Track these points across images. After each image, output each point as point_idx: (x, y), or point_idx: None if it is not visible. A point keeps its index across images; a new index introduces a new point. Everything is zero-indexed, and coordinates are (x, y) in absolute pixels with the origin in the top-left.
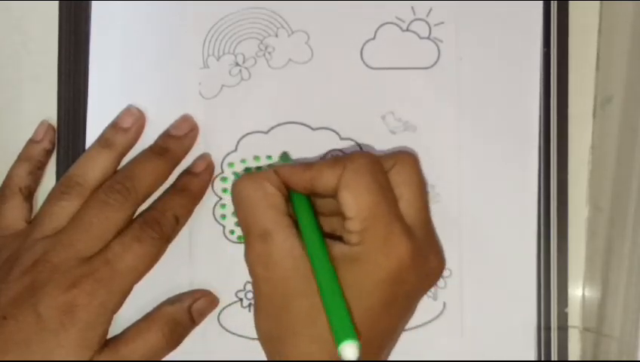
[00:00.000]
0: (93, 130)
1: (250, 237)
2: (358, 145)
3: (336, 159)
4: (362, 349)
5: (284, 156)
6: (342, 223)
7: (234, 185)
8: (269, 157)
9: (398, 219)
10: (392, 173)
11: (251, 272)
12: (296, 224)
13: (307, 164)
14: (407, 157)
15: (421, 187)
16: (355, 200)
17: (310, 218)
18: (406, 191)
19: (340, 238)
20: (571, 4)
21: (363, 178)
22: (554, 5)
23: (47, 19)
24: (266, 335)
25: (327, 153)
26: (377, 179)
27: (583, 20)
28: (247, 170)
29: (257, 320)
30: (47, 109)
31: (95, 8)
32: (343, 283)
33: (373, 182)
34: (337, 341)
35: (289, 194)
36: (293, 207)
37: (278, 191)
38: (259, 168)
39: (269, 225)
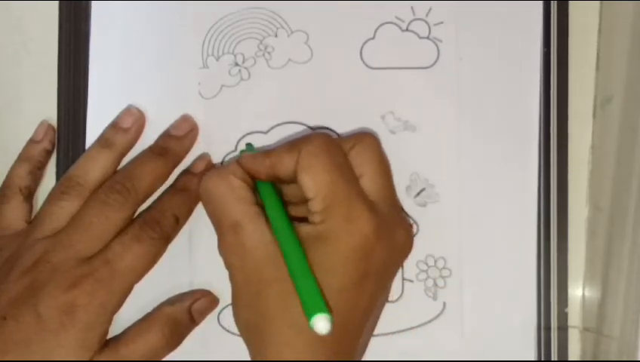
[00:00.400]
0: (93, 130)
1: (222, 229)
2: None
3: (292, 143)
4: (342, 330)
5: (249, 147)
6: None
7: (202, 181)
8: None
9: (358, 196)
10: (352, 153)
11: (226, 263)
12: (264, 212)
13: (267, 152)
14: (366, 137)
15: (383, 164)
16: (314, 181)
17: (276, 203)
18: (367, 170)
19: (306, 221)
20: (571, 4)
21: (319, 158)
22: (554, 5)
23: (47, 19)
24: (244, 323)
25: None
26: (334, 158)
27: (583, 20)
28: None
29: (235, 310)
30: (47, 109)
31: (95, 8)
32: (311, 263)
33: (330, 161)
34: (308, 316)
35: (254, 183)
36: (259, 195)
37: (244, 182)
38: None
39: (239, 216)
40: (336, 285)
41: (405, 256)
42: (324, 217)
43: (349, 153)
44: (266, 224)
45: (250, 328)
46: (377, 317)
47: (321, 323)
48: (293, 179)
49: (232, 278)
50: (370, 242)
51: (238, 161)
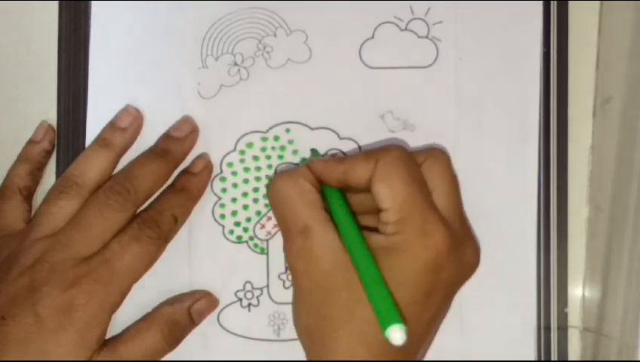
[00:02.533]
0: (93, 130)
1: (291, 233)
2: (357, 144)
3: (369, 153)
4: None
5: (314, 152)
6: (377, 219)
7: (270, 184)
8: (269, 157)
9: (433, 209)
10: (423, 167)
11: (292, 267)
12: (331, 218)
13: (340, 158)
14: (438, 153)
15: (453, 181)
16: (390, 192)
17: (346, 211)
18: (439, 184)
19: (376, 231)
20: (571, 4)
21: (396, 170)
22: (554, 5)
23: (47, 19)
24: (306, 329)
25: (325, 153)
26: (410, 171)
27: (583, 20)
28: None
29: (297, 315)
30: (47, 109)
31: (95, 8)
32: (382, 274)
33: (406, 173)
34: (383, 326)
35: (322, 189)
36: (327, 201)
37: (313, 187)
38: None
39: (309, 221)
40: (406, 298)
41: (472, 273)
42: (398, 229)
43: (421, 167)
44: (335, 231)
45: (311, 332)
46: (436, 331)
47: (398, 334)
48: (363, 189)
49: (297, 282)
50: (442, 257)
51: (308, 165)
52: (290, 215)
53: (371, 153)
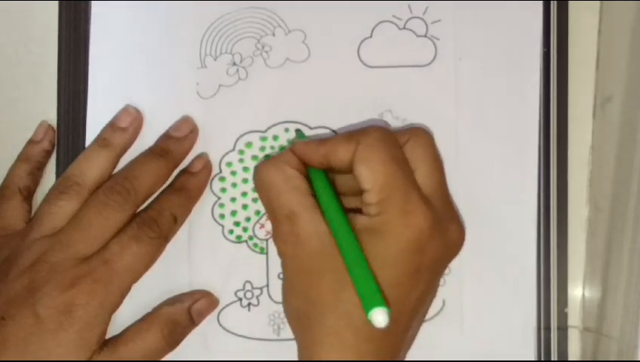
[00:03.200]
0: (93, 130)
1: (277, 218)
2: None
3: (350, 134)
4: (391, 323)
5: (300, 133)
6: (361, 199)
7: (255, 170)
8: (268, 157)
9: (415, 189)
10: (406, 147)
11: (280, 251)
12: (317, 201)
13: (322, 140)
14: (421, 132)
15: (437, 160)
16: (371, 172)
17: (330, 193)
18: (421, 164)
19: (360, 212)
20: (571, 4)
21: (378, 151)
22: (554, 5)
23: (47, 19)
24: (294, 312)
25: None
26: (392, 151)
27: (583, 20)
28: (267, 156)
29: (286, 299)
30: (47, 109)
31: (95, 8)
32: (366, 255)
33: (387, 154)
34: (366, 308)
35: (307, 171)
36: (312, 183)
37: (298, 171)
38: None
39: (294, 206)
40: (390, 278)
41: (456, 252)
42: (380, 209)
43: (404, 147)
44: (320, 215)
45: (300, 316)
46: (425, 313)
47: (380, 317)
48: (346, 170)
49: (285, 267)
50: (425, 236)
51: (291, 148)
52: (276, 201)
53: (352, 134)
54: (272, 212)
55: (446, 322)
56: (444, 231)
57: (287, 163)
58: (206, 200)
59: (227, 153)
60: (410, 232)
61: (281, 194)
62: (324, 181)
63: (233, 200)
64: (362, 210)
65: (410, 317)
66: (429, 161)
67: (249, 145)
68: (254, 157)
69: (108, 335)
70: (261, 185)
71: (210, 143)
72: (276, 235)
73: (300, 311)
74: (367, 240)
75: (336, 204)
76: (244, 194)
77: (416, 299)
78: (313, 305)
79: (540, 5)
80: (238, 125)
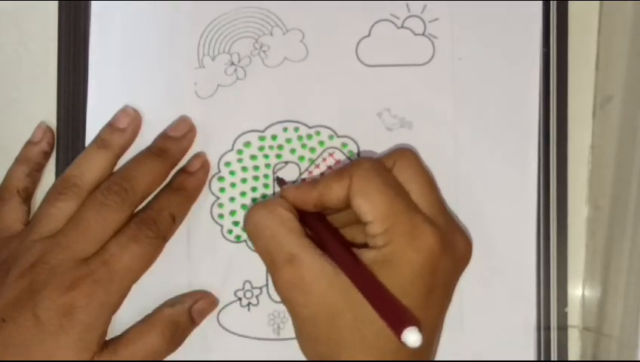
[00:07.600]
0: (93, 130)
1: (276, 264)
2: (355, 143)
3: (340, 171)
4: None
5: (279, 180)
6: (362, 231)
7: (247, 215)
8: (267, 156)
9: (417, 211)
10: (394, 171)
11: (285, 299)
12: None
13: (312, 182)
14: (405, 153)
15: (426, 177)
16: (371, 203)
17: (332, 229)
18: (414, 185)
19: (363, 246)
20: (571, 4)
21: (372, 181)
22: (554, 5)
23: (47, 19)
24: (317, 357)
25: (323, 151)
26: (386, 178)
27: (583, 20)
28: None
29: (304, 345)
30: (47, 109)
31: (95, 8)
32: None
33: (382, 182)
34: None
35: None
36: (307, 226)
37: (292, 214)
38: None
39: (294, 249)
40: (409, 305)
41: (467, 263)
42: (387, 239)
43: (392, 171)
44: (322, 254)
45: (324, 359)
46: (442, 327)
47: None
48: (341, 207)
49: (296, 315)
50: (436, 256)
51: (281, 194)
52: (273, 246)
53: (343, 170)
54: (270, 257)
55: (446, 322)
56: (453, 246)
57: (281, 205)
58: (205, 200)
59: (226, 153)
60: (422, 256)
61: (278, 238)
62: (322, 219)
63: (232, 199)
64: (368, 243)
65: (430, 335)
66: (420, 179)
67: (247, 144)
68: (253, 157)
69: (108, 337)
70: (254, 230)
71: (209, 143)
72: (278, 283)
73: (324, 354)
74: (379, 272)
75: (341, 237)
76: (242, 193)
77: (435, 316)
78: (336, 346)
79: (539, 5)
80: (237, 125)
